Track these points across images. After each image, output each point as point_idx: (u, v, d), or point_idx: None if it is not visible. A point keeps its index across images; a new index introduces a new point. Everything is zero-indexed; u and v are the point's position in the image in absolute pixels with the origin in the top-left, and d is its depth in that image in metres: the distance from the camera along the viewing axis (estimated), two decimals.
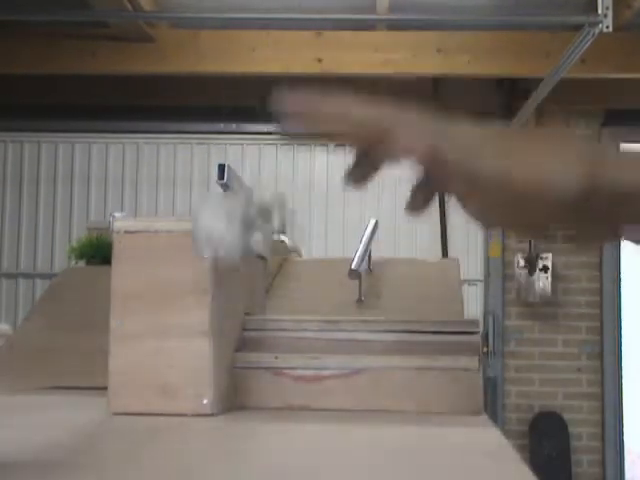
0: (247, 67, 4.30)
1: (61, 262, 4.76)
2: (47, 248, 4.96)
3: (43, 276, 4.85)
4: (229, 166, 1.60)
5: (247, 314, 0.94)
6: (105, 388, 0.83)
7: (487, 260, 4.83)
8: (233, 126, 4.97)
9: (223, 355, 0.83)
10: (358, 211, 4.86)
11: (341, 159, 4.96)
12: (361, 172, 0.63)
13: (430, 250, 4.78)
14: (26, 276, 4.96)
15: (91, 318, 1.10)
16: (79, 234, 3.96)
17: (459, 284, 1.56)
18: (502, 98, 4.77)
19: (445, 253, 4.74)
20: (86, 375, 1.07)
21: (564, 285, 4.82)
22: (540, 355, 4.79)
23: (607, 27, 3.13)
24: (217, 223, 0.71)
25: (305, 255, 2.12)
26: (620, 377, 4.79)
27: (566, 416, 4.71)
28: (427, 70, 4.28)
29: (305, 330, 0.93)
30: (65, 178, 5.00)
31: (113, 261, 0.82)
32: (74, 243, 1.49)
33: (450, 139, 0.61)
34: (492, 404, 4.54)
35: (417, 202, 0.64)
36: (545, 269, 4.74)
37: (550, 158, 0.57)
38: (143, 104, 4.87)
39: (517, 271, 4.78)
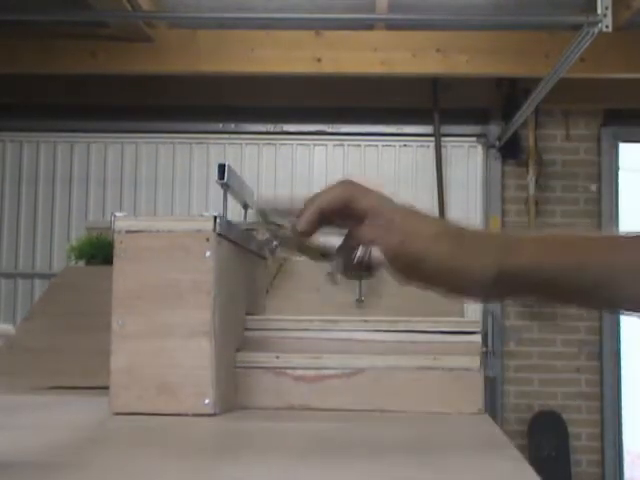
0: (246, 67, 4.29)
1: (60, 262, 4.75)
2: (46, 248, 4.96)
3: (42, 276, 4.84)
4: (229, 166, 1.60)
5: (248, 314, 0.94)
6: (106, 388, 0.83)
7: None
8: (232, 126, 4.96)
9: (224, 355, 0.83)
10: None
11: (340, 159, 4.96)
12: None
13: None
14: (25, 276, 4.95)
15: (91, 318, 1.10)
16: (78, 234, 3.96)
17: None
18: (501, 98, 4.77)
19: None
20: (87, 375, 1.07)
21: None
22: (539, 355, 4.79)
23: (606, 27, 3.13)
24: None
25: None
26: (619, 377, 4.79)
27: (565, 416, 4.71)
28: (426, 70, 4.28)
29: (306, 330, 0.92)
30: (64, 178, 5.00)
31: (114, 261, 0.81)
32: (74, 242, 1.48)
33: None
34: (491, 404, 4.54)
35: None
36: None
37: (471, 252, 0.76)
38: (142, 104, 4.87)
39: None
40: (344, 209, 0.77)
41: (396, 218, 0.77)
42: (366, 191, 0.79)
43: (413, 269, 0.76)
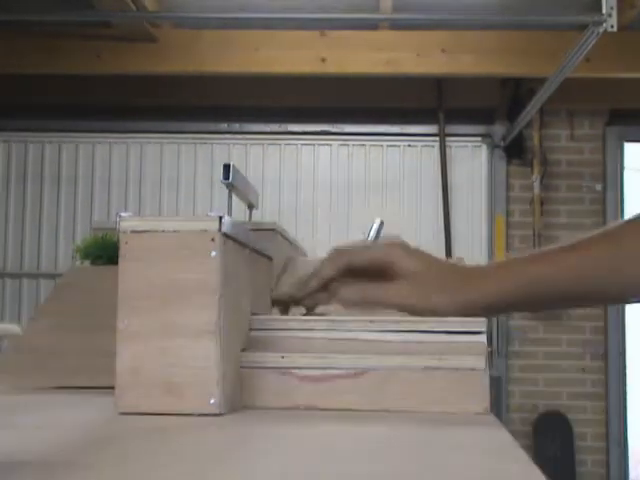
0: (250, 67, 4.30)
1: (65, 262, 4.77)
2: (51, 248, 4.97)
3: (47, 276, 4.86)
4: (234, 166, 1.60)
5: (253, 314, 0.94)
6: (111, 388, 0.83)
7: (491, 259, 4.83)
8: (237, 126, 4.97)
9: (230, 355, 0.83)
10: (362, 211, 4.86)
11: (345, 159, 4.96)
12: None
13: (434, 249, 4.77)
14: (30, 276, 4.96)
15: (97, 318, 1.10)
16: (83, 234, 3.96)
17: None
18: (506, 98, 4.77)
19: (449, 252, 4.74)
20: (92, 375, 1.07)
21: None
22: (544, 355, 4.78)
23: (612, 26, 3.13)
24: None
25: (309, 254, 2.12)
26: (624, 377, 4.78)
27: (570, 416, 4.70)
28: (431, 70, 4.28)
29: (312, 330, 0.92)
30: (69, 178, 5.01)
31: (120, 261, 0.82)
32: (79, 242, 1.49)
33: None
34: (496, 404, 4.54)
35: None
36: None
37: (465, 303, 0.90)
38: (146, 104, 4.88)
39: None
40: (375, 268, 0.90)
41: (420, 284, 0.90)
42: (407, 255, 0.90)
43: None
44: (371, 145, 4.95)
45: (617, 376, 4.75)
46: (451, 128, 4.82)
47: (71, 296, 1.29)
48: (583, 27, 3.26)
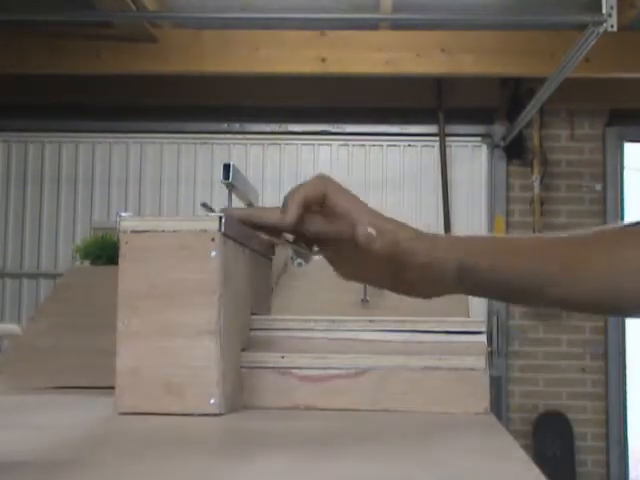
0: (250, 67, 4.30)
1: (65, 262, 4.77)
2: (51, 248, 4.97)
3: (47, 276, 4.85)
4: (234, 166, 1.60)
5: (253, 314, 0.94)
6: (111, 388, 0.83)
7: None
8: (237, 126, 4.97)
9: (230, 354, 0.83)
10: None
11: (345, 159, 4.96)
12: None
13: None
14: (30, 276, 4.96)
15: (97, 318, 1.10)
16: (83, 234, 3.96)
17: None
18: (506, 98, 4.76)
19: None
20: (92, 375, 1.07)
21: None
22: (544, 355, 4.78)
23: (612, 26, 3.13)
24: None
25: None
26: (624, 377, 4.78)
27: (570, 416, 4.70)
28: (431, 70, 4.28)
29: (311, 330, 0.92)
30: (69, 178, 5.01)
31: (119, 260, 0.82)
32: (79, 242, 1.49)
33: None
34: (496, 404, 4.54)
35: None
36: None
37: (440, 248, 0.82)
38: (147, 104, 4.88)
39: None
40: (321, 202, 0.82)
41: (379, 220, 0.82)
42: (341, 189, 0.83)
43: (400, 267, 0.82)
44: (371, 145, 4.95)
45: (617, 376, 4.75)
46: (451, 128, 4.82)
47: (71, 296, 1.29)
48: (583, 27, 3.26)
